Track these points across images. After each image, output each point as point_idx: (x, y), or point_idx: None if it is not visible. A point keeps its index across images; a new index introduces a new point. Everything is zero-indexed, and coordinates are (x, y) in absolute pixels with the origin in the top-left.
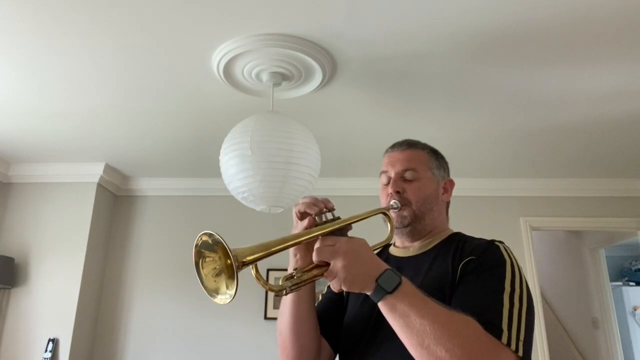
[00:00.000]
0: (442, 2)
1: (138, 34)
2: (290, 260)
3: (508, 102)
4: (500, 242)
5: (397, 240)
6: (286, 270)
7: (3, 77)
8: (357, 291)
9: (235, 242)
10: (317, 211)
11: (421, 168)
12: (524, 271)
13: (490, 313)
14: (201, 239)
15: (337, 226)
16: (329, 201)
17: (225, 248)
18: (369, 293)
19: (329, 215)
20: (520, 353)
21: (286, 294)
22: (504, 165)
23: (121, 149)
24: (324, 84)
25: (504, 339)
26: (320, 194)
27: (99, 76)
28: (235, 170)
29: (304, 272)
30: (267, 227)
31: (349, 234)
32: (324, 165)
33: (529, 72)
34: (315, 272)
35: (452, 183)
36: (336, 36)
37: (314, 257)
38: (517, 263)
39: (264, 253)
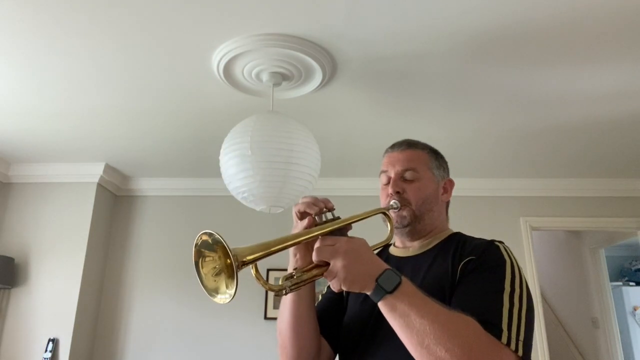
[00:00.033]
0: (442, 2)
1: (138, 34)
2: (290, 260)
3: (508, 102)
4: (500, 242)
5: (397, 240)
6: (286, 270)
7: (3, 77)
8: (357, 291)
9: (235, 242)
10: (317, 211)
11: (421, 168)
12: (523, 271)
13: (490, 313)
14: (201, 238)
15: (337, 226)
16: (328, 201)
17: (225, 247)
18: (368, 293)
19: (329, 215)
20: (520, 353)
21: (286, 293)
22: (504, 165)
23: (121, 149)
24: (324, 84)
25: (504, 338)
26: (320, 194)
27: (99, 76)
28: (235, 170)
29: (304, 271)
30: (267, 227)
31: (349, 234)
32: (324, 165)
33: (529, 72)
34: (315, 271)
35: (452, 183)
36: (336, 36)
37: (314, 257)
38: (517, 263)
39: (263, 253)
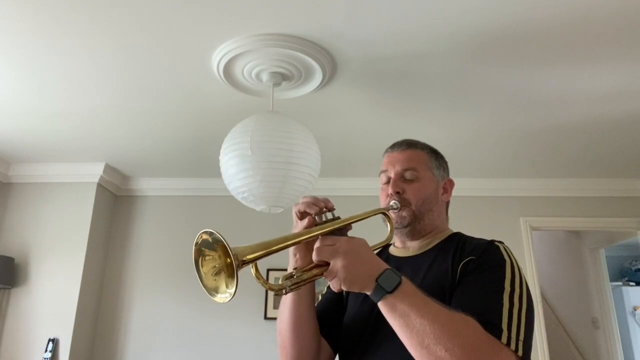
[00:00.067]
0: (442, 2)
1: (138, 34)
2: (290, 259)
3: (508, 102)
4: (500, 242)
5: (397, 240)
6: (286, 270)
7: (3, 77)
8: (357, 291)
9: (236, 242)
10: (317, 211)
11: (421, 168)
12: (523, 271)
13: (490, 313)
14: (201, 237)
15: (337, 226)
16: (329, 201)
17: (226, 246)
18: (368, 293)
19: (329, 215)
20: (520, 353)
21: (286, 293)
22: (504, 165)
23: (121, 149)
24: (324, 84)
25: (504, 338)
26: (320, 194)
27: (99, 76)
28: (235, 170)
29: (304, 271)
30: (267, 227)
31: (349, 234)
32: (324, 165)
33: (529, 72)
34: (315, 271)
35: (451, 183)
36: (336, 36)
37: (314, 257)
38: (517, 263)
39: (264, 252)
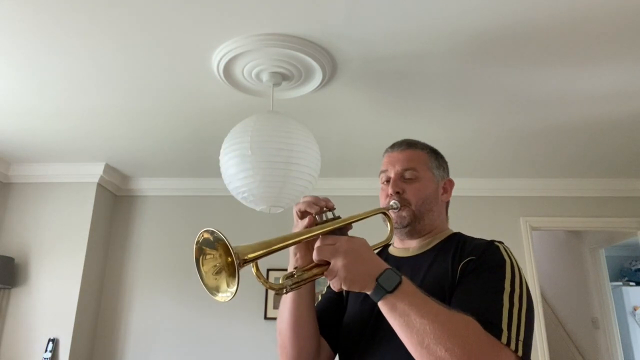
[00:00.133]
0: (442, 2)
1: (138, 34)
2: (290, 259)
3: (508, 102)
4: (500, 242)
5: (397, 240)
6: (286, 270)
7: (3, 77)
8: (357, 290)
9: (236, 242)
10: (318, 210)
11: (421, 168)
12: (523, 271)
13: (490, 313)
14: (202, 236)
15: (337, 225)
16: (329, 200)
17: (227, 245)
18: (369, 292)
19: (330, 215)
20: (520, 353)
21: (286, 292)
22: (504, 165)
23: (121, 149)
24: (324, 84)
25: (504, 338)
26: (320, 194)
27: (99, 76)
28: (235, 170)
29: (304, 271)
30: (267, 227)
31: (349, 233)
32: (324, 165)
33: (529, 72)
34: (315, 271)
35: (451, 183)
36: (336, 36)
37: (314, 256)
38: (516, 263)
39: (265, 251)
